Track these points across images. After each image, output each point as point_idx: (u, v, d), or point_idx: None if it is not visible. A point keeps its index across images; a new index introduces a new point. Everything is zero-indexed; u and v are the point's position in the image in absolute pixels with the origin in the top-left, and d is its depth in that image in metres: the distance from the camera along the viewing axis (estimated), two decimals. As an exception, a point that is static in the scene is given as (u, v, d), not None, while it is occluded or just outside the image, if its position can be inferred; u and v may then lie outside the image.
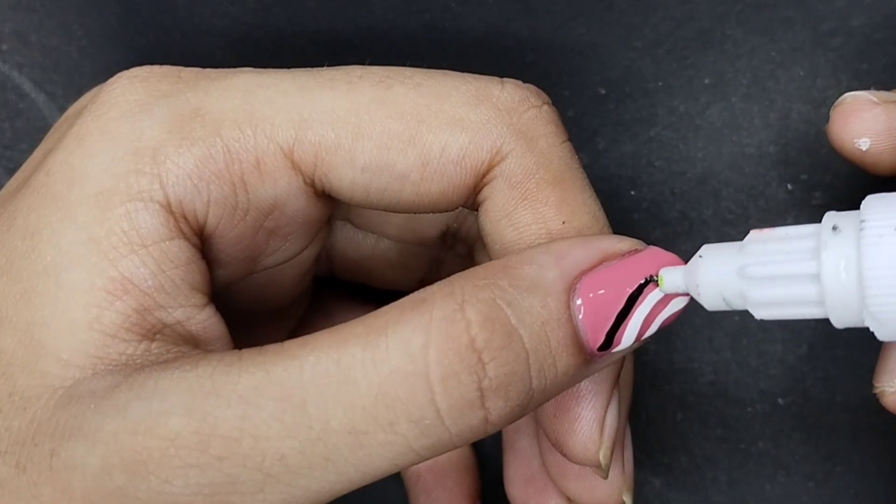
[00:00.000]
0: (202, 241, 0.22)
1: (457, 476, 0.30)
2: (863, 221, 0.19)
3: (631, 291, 0.20)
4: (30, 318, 0.21)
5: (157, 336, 0.21)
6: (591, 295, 0.20)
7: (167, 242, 0.21)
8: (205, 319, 0.22)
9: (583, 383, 0.22)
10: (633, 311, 0.20)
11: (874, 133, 0.23)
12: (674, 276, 0.21)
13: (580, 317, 0.20)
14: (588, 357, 0.20)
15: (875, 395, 0.24)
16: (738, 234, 0.31)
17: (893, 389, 0.24)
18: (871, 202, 0.19)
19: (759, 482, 0.32)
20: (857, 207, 0.21)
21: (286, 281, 0.26)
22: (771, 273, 0.20)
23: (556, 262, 0.20)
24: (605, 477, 0.23)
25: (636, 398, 0.30)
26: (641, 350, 0.32)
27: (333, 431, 0.19)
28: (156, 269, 0.21)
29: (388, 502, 0.33)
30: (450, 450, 0.20)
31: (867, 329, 0.20)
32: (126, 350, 0.21)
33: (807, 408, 0.31)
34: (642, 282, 0.21)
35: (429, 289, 0.20)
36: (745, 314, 0.31)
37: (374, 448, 0.19)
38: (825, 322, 0.20)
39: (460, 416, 0.19)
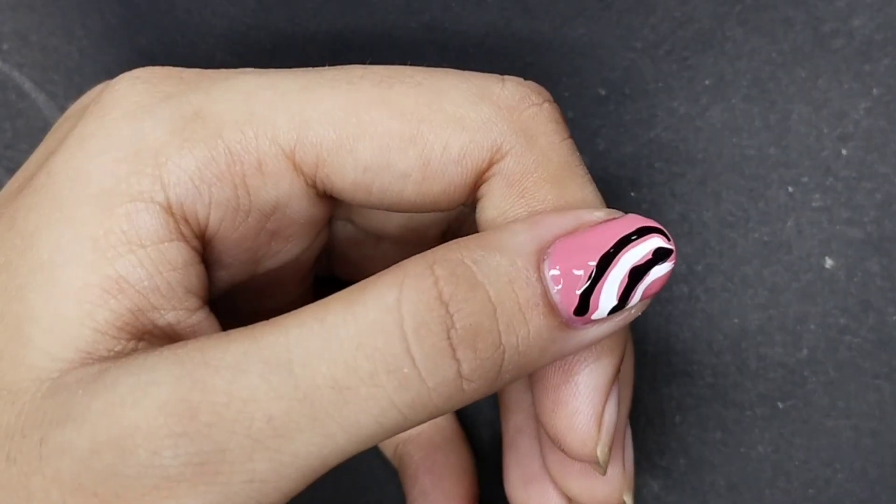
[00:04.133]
0: (203, 243, 0.22)
1: (455, 478, 0.30)
2: None
3: (605, 252, 0.20)
4: (21, 314, 0.21)
5: (146, 336, 0.21)
6: (563, 257, 0.20)
7: (166, 244, 0.21)
8: (195, 323, 0.22)
9: (580, 377, 0.22)
10: (607, 272, 0.20)
11: None
12: None
13: (551, 278, 0.20)
14: (565, 321, 0.20)
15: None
16: (738, 237, 0.31)
17: None
18: None
19: (759, 487, 0.32)
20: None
21: (287, 281, 0.26)
22: None
23: (529, 227, 0.21)
24: (604, 473, 0.23)
25: (635, 400, 0.30)
26: (640, 351, 0.32)
27: (318, 388, 0.19)
28: (153, 269, 0.21)
29: (385, 504, 0.33)
30: (432, 411, 0.20)
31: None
32: (114, 347, 0.21)
33: (807, 412, 0.31)
34: (617, 242, 0.20)
35: (407, 259, 0.20)
36: (746, 316, 0.31)
37: (358, 404, 0.19)
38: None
39: (434, 366, 0.19)
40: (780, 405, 0.31)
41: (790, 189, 0.30)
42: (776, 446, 0.31)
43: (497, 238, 0.20)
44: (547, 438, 0.24)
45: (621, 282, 0.21)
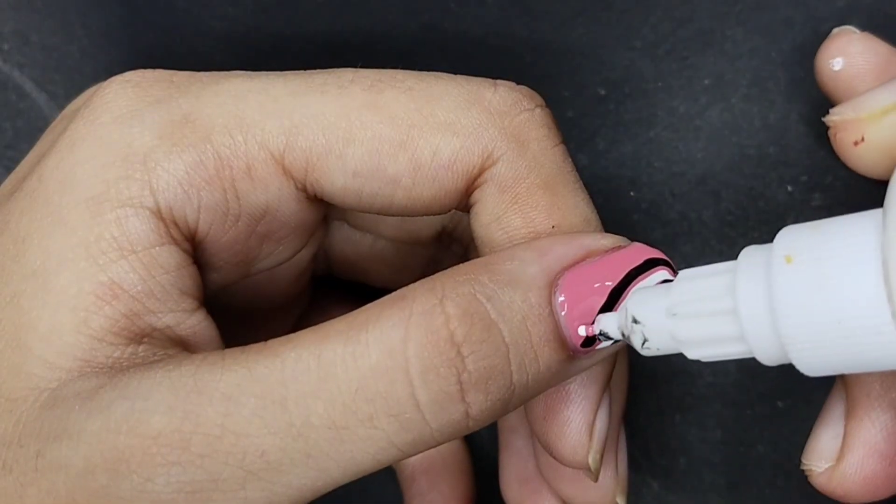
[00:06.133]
0: (194, 247, 0.22)
1: (451, 479, 0.30)
2: (774, 253, 0.18)
3: (613, 286, 0.20)
4: (17, 321, 0.21)
5: (145, 339, 0.21)
6: (572, 290, 0.20)
7: (157, 248, 0.21)
8: (195, 324, 0.22)
9: (572, 386, 0.22)
10: (615, 306, 0.20)
11: (848, 54, 0.23)
12: (608, 321, 0.20)
13: (562, 312, 0.20)
14: (571, 353, 0.20)
15: (803, 471, 0.24)
16: (737, 236, 0.31)
17: (821, 470, 0.24)
18: (783, 233, 0.19)
19: (759, 486, 0.32)
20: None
21: (283, 282, 0.26)
22: (695, 311, 0.19)
23: (537, 257, 0.20)
24: (596, 480, 0.23)
25: (634, 399, 0.30)
26: (640, 351, 0.32)
27: (314, 427, 0.19)
28: (145, 274, 0.21)
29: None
30: (432, 446, 0.20)
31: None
32: (113, 353, 0.21)
33: (807, 411, 0.31)
34: (625, 276, 0.20)
35: (411, 286, 0.20)
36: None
37: (355, 443, 0.19)
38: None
39: (440, 410, 0.19)
40: (780, 404, 0.31)
41: (790, 188, 0.30)
42: (776, 445, 0.31)
43: (507, 270, 0.20)
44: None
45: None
